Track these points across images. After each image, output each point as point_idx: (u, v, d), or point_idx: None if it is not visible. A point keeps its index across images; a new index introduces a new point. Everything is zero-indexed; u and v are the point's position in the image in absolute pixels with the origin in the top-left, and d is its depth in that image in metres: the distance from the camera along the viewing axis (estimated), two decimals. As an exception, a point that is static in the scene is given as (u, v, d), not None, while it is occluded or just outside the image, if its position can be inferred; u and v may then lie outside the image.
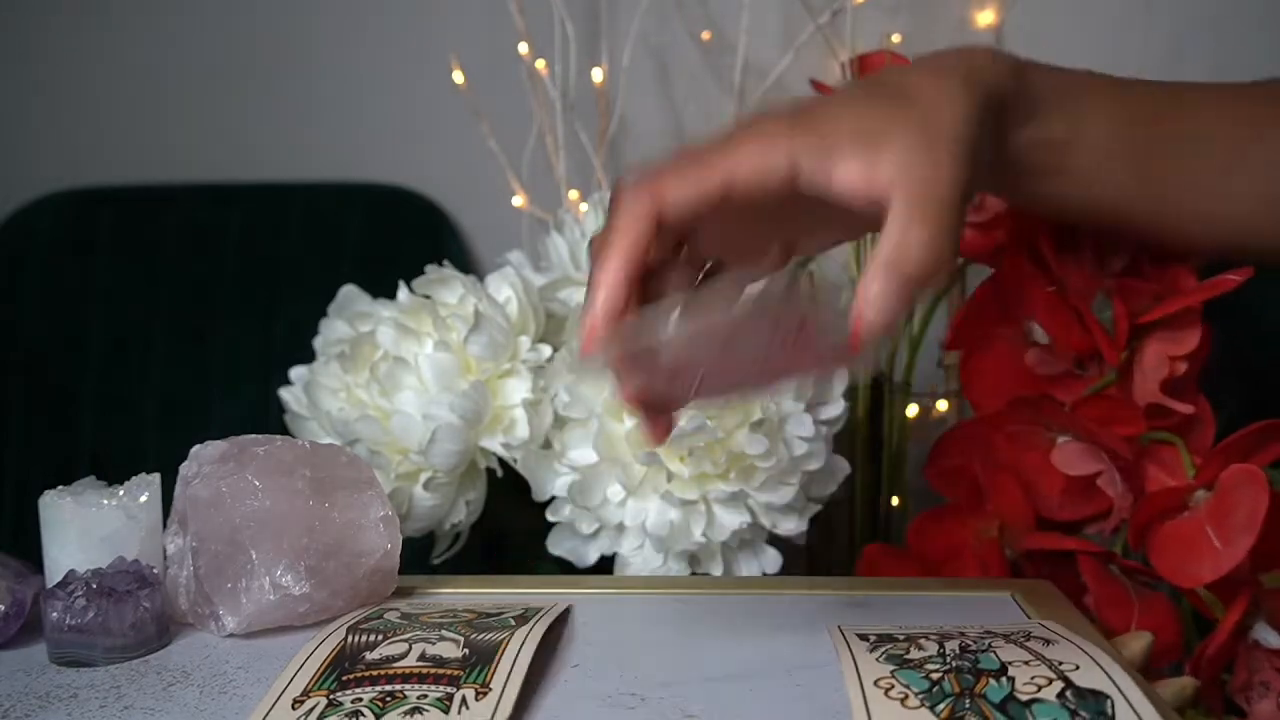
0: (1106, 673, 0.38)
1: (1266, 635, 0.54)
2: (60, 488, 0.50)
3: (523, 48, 0.93)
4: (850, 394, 0.71)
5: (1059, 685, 0.38)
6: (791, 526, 0.65)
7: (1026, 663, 0.39)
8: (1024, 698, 0.37)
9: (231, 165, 1.09)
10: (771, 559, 0.66)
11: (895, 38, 0.90)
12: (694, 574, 0.64)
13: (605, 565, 0.65)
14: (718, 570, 0.64)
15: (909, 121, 0.42)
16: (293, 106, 1.09)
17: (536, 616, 0.46)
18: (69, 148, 1.13)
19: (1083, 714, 0.36)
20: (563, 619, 0.49)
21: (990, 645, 0.41)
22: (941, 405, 0.84)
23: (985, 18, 0.89)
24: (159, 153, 1.11)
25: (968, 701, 0.37)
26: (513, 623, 0.45)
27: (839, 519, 0.85)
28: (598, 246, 0.42)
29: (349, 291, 0.72)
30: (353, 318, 0.69)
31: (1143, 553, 0.56)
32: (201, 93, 1.10)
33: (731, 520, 0.62)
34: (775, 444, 0.62)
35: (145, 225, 1.06)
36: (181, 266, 1.04)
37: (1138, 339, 0.59)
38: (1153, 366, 0.58)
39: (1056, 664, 0.39)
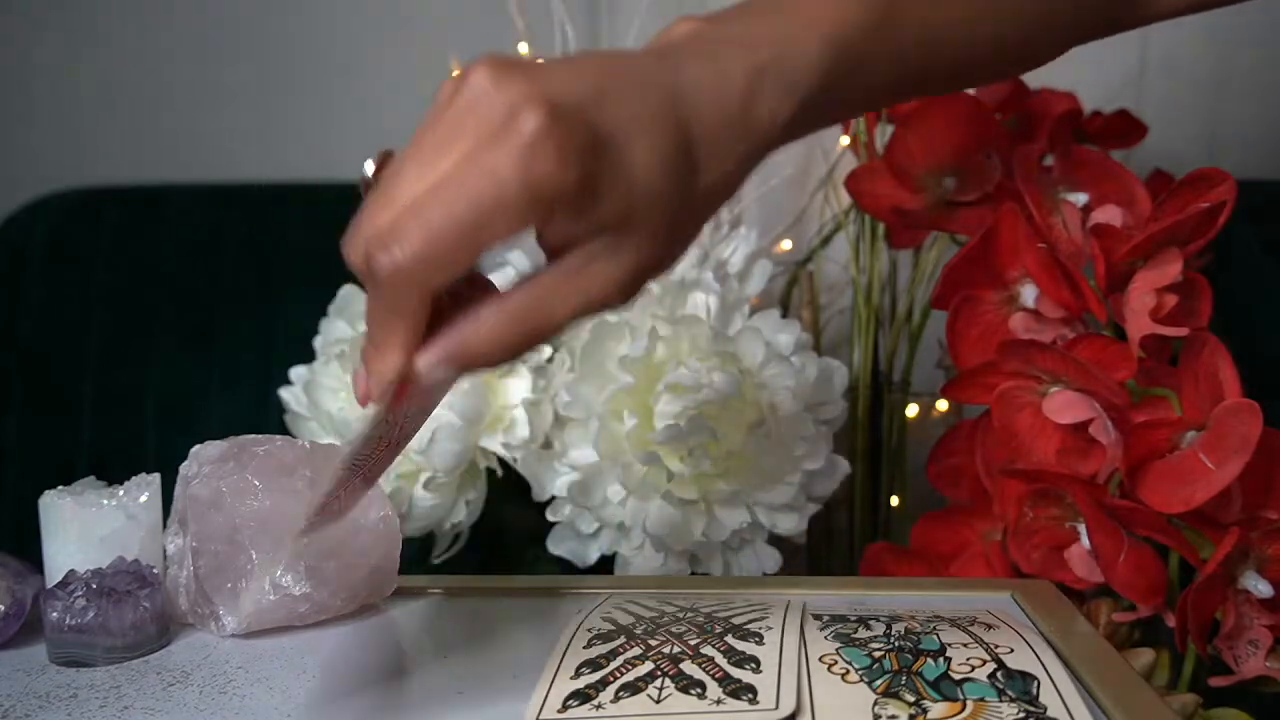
0: (1038, 657, 0.40)
1: (1257, 584, 0.54)
2: (60, 488, 0.50)
3: (523, 48, 0.93)
4: (850, 394, 0.71)
5: (991, 666, 0.40)
6: (791, 526, 0.65)
7: (965, 645, 0.41)
8: (957, 676, 0.39)
9: (231, 165, 1.09)
10: (771, 559, 0.66)
11: (895, 38, 0.90)
12: (694, 574, 0.64)
13: (605, 565, 0.65)
14: (718, 570, 0.64)
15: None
16: (293, 106, 1.09)
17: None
18: (69, 148, 1.13)
19: (1010, 693, 0.38)
20: None
21: (935, 628, 0.43)
22: (941, 405, 0.84)
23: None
24: (159, 153, 1.11)
25: (904, 678, 0.39)
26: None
27: (839, 519, 0.85)
28: (376, 340, 0.37)
29: (349, 291, 0.72)
30: (353, 318, 0.69)
31: (1133, 495, 0.56)
32: (201, 93, 1.10)
33: (731, 520, 0.62)
34: (775, 444, 0.62)
35: (145, 225, 1.06)
36: (181, 266, 1.04)
37: (1122, 285, 0.59)
38: (1140, 301, 0.58)
39: (993, 647, 0.41)
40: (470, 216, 0.34)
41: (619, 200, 0.37)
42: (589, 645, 0.42)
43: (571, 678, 0.40)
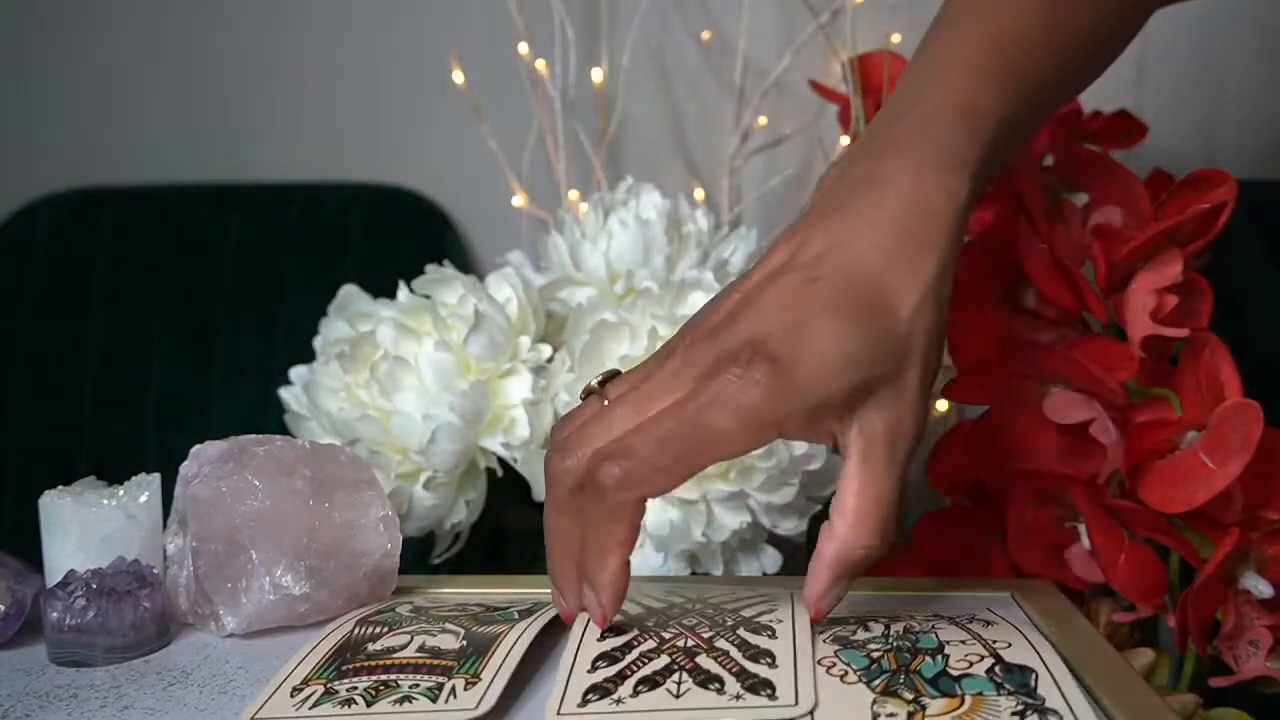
0: (1036, 650, 0.41)
1: (1257, 584, 0.54)
2: (60, 488, 0.50)
3: (523, 48, 0.93)
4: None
5: (989, 661, 0.40)
6: (791, 526, 0.65)
7: (963, 641, 0.42)
8: (955, 673, 0.39)
9: (231, 165, 1.09)
10: (771, 559, 0.66)
11: (895, 38, 0.90)
12: (694, 574, 0.64)
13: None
14: (718, 570, 0.64)
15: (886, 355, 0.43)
16: (292, 107, 1.09)
17: (540, 611, 0.46)
18: (69, 148, 1.13)
19: (1008, 686, 0.38)
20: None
21: (933, 627, 0.43)
22: (941, 405, 0.84)
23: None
24: (159, 153, 1.11)
25: (902, 677, 0.39)
26: (516, 616, 0.45)
27: (839, 519, 0.84)
28: (596, 547, 0.43)
29: (349, 291, 0.72)
30: (353, 318, 0.69)
31: (1134, 495, 0.56)
32: (201, 93, 1.10)
33: (731, 520, 0.62)
34: (775, 444, 0.62)
35: (145, 225, 1.06)
36: (181, 266, 1.04)
37: (1122, 286, 0.59)
38: (1140, 302, 0.58)
39: (990, 642, 0.42)
40: (695, 442, 0.40)
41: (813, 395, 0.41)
42: (602, 638, 0.42)
43: (588, 671, 0.40)
